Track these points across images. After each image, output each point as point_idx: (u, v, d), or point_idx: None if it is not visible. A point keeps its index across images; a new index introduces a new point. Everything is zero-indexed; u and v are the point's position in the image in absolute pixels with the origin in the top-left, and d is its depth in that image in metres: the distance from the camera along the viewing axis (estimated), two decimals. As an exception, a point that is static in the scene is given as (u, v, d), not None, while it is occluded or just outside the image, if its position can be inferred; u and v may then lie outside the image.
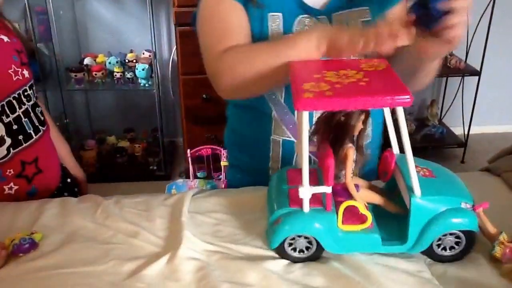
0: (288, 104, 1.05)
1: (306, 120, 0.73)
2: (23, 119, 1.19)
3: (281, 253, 0.82)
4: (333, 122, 0.80)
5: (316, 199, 0.80)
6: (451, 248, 0.81)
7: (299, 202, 0.79)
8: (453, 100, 3.20)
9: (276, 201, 0.84)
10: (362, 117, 0.79)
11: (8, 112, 1.15)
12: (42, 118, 1.26)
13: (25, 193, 1.19)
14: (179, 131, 2.96)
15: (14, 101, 1.16)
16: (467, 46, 2.98)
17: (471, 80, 2.97)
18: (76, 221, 0.92)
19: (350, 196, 0.81)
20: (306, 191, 0.77)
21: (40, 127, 1.24)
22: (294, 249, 0.82)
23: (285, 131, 1.09)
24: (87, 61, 2.76)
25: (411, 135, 2.99)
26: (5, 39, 1.18)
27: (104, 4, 2.86)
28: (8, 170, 1.16)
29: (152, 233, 0.88)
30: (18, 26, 2.67)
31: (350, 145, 0.79)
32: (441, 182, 0.82)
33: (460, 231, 0.79)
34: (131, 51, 2.83)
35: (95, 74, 2.72)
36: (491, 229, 0.82)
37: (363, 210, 0.79)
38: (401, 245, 0.80)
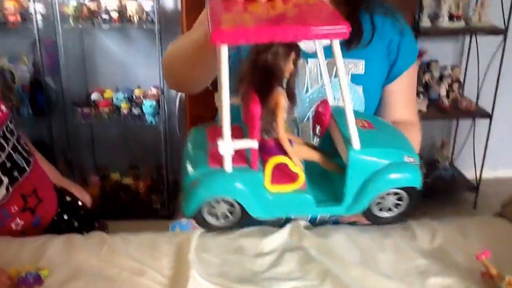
0: None
1: (225, 57, 0.62)
2: (14, 155, 1.19)
3: (200, 221, 0.73)
4: (259, 64, 0.69)
5: (241, 157, 0.69)
6: (390, 210, 0.75)
7: (220, 160, 0.68)
8: (465, 142, 3.22)
9: (193, 161, 0.72)
10: (292, 55, 0.69)
11: None
12: (27, 147, 1.27)
13: (31, 225, 1.20)
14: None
15: (1, 140, 1.17)
16: (478, 87, 3.03)
17: (482, 123, 2.99)
18: (81, 258, 0.93)
19: (283, 153, 0.70)
20: (227, 146, 0.66)
21: (29, 158, 1.25)
22: (215, 216, 0.73)
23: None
24: (94, 96, 2.82)
25: (421, 177, 3.03)
26: None
27: (112, 39, 2.93)
28: (12, 208, 1.18)
29: (158, 271, 0.89)
30: (26, 59, 2.78)
31: (281, 90, 0.69)
32: (382, 134, 0.76)
33: (402, 189, 0.72)
34: (139, 87, 2.89)
35: (102, 109, 2.77)
36: (495, 272, 0.80)
37: (293, 167, 0.70)
38: (337, 206, 0.72)
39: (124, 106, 2.78)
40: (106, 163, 3.13)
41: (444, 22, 2.77)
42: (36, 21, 2.59)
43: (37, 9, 2.60)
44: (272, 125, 0.70)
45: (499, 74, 2.84)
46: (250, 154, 0.68)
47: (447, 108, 2.88)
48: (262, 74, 0.68)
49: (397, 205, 0.74)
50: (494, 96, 2.87)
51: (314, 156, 0.76)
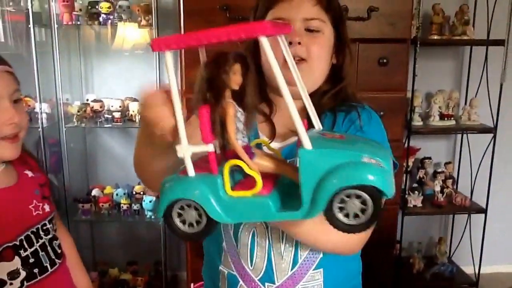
0: (235, 238, 1.14)
1: (170, 62, 0.71)
2: (40, 252, 1.26)
3: (170, 225, 0.78)
4: (204, 79, 0.73)
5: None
6: (356, 216, 0.72)
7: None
8: (461, 237, 3.29)
9: (169, 175, 0.79)
10: (237, 67, 0.73)
11: (26, 246, 1.22)
12: (59, 251, 1.32)
13: None
14: (183, 265, 3.03)
15: (32, 235, 1.24)
16: (471, 184, 3.16)
17: (478, 218, 3.09)
18: None
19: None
20: (183, 149, 0.72)
21: (56, 260, 1.30)
22: (183, 222, 0.77)
23: (230, 264, 1.16)
24: (94, 192, 2.93)
25: (419, 273, 3.09)
26: (29, 174, 1.29)
27: (114, 137, 3.08)
28: None
29: None
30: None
31: (229, 100, 0.73)
32: (348, 141, 0.76)
33: (366, 192, 0.70)
34: (139, 183, 2.99)
35: (102, 206, 2.87)
36: None
37: (248, 170, 0.72)
38: (296, 211, 0.72)
39: (124, 202, 2.88)
40: (105, 258, 3.18)
41: (435, 121, 2.94)
42: (42, 121, 2.74)
43: (43, 109, 2.75)
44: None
45: (491, 171, 2.98)
46: (209, 158, 0.72)
47: (442, 204, 2.99)
48: (208, 87, 0.74)
49: (363, 211, 0.71)
50: (488, 191, 2.99)
51: (273, 167, 0.77)
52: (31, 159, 1.36)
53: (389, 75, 2.38)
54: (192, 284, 2.34)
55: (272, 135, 1.18)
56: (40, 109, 2.73)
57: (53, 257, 1.30)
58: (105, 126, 2.84)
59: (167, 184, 0.76)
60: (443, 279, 3.10)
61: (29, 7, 2.62)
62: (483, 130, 2.95)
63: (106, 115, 2.84)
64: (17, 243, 1.20)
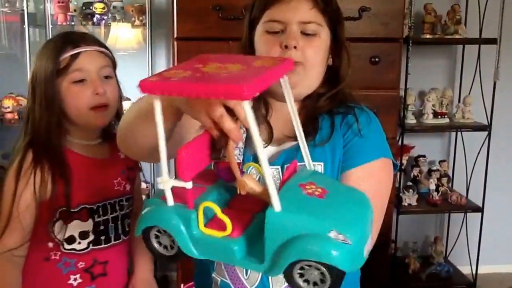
0: None
1: (158, 108, 0.74)
2: (110, 223, 1.45)
3: (147, 245, 0.83)
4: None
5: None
6: (316, 284, 0.74)
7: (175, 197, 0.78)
8: (458, 237, 3.36)
9: (155, 196, 0.84)
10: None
11: (100, 213, 1.42)
12: (128, 229, 1.50)
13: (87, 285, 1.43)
14: (173, 265, 3.11)
15: (108, 206, 1.44)
16: (467, 182, 3.24)
17: (474, 217, 3.16)
18: None
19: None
20: (164, 182, 0.77)
21: (122, 235, 1.49)
22: (159, 244, 0.83)
23: (224, 272, 1.16)
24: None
25: (415, 274, 3.15)
26: (122, 155, 1.48)
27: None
28: (80, 263, 1.41)
29: None
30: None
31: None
32: (324, 204, 0.75)
33: (324, 266, 0.71)
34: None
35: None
36: None
37: (220, 215, 0.75)
38: (259, 264, 0.75)
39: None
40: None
41: (429, 119, 3.03)
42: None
43: (36, 108, 2.85)
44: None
45: (486, 168, 3.06)
46: (186, 194, 0.76)
47: (437, 202, 3.06)
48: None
49: (322, 281, 0.73)
50: (484, 190, 3.06)
51: (260, 191, 0.78)
52: None
53: (381, 73, 2.46)
54: (182, 285, 2.39)
55: (270, 137, 1.20)
56: (33, 108, 2.82)
57: (120, 232, 1.48)
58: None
59: (147, 208, 0.82)
60: (439, 280, 3.14)
61: (25, 8, 2.73)
62: (478, 128, 3.03)
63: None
64: (94, 207, 1.41)
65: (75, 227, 1.38)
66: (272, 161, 1.14)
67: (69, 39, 1.41)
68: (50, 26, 2.83)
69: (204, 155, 0.81)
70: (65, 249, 1.39)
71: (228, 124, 0.79)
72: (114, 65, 1.48)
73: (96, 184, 1.42)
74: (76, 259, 1.41)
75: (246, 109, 0.69)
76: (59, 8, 2.84)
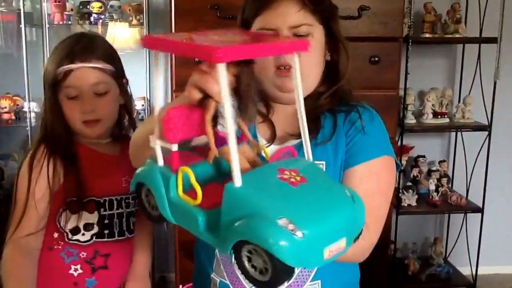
0: None
1: (224, 74, 0.69)
2: (115, 219, 1.49)
3: (139, 203, 0.86)
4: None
5: (187, 160, 0.79)
6: (262, 272, 0.70)
7: (169, 160, 0.79)
8: (457, 238, 3.35)
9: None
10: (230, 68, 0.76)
11: (107, 207, 1.47)
12: (132, 227, 1.54)
13: (84, 280, 1.47)
14: (171, 266, 3.11)
15: (115, 201, 1.49)
16: (467, 182, 3.24)
17: (474, 217, 3.16)
18: None
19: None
20: (152, 140, 0.79)
21: (126, 232, 1.52)
22: (148, 203, 0.84)
23: (223, 272, 1.17)
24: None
25: (415, 275, 3.15)
26: None
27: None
28: (82, 253, 1.46)
29: None
30: (17, 157, 2.97)
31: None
32: (292, 192, 0.71)
33: (267, 254, 0.66)
34: (130, 184, 3.08)
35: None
36: None
37: (193, 182, 0.74)
38: (215, 238, 0.73)
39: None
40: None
41: (428, 119, 3.03)
42: (30, 120, 2.83)
43: (32, 108, 2.84)
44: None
45: (486, 169, 3.05)
46: (171, 157, 0.77)
47: (437, 203, 3.05)
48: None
49: (266, 270, 0.69)
50: (484, 190, 3.06)
51: (245, 163, 0.78)
52: None
53: (380, 73, 2.45)
54: (180, 286, 2.39)
55: (273, 136, 1.20)
56: (29, 108, 2.82)
57: (124, 228, 1.52)
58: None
59: (142, 166, 0.84)
60: (439, 281, 3.14)
61: (21, 7, 2.73)
62: (478, 128, 3.03)
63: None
64: (101, 201, 1.46)
65: (80, 219, 1.44)
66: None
67: (70, 51, 1.43)
68: (47, 25, 2.82)
69: (195, 123, 0.80)
70: (69, 239, 1.45)
71: (210, 84, 0.77)
72: (116, 74, 1.49)
73: (105, 179, 1.48)
74: (79, 249, 1.46)
75: (219, 71, 0.68)
76: (55, 7, 2.83)
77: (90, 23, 2.88)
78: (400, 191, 3.03)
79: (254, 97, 0.81)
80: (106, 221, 1.47)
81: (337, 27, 1.21)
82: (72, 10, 2.87)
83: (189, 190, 0.76)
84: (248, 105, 0.80)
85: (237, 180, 0.69)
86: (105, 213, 1.47)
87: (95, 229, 1.46)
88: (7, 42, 3.00)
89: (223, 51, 0.65)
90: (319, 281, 1.16)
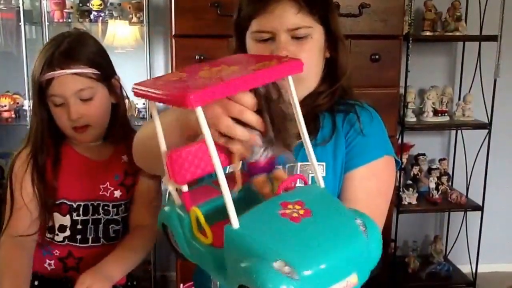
0: None
1: (203, 117, 0.68)
2: (89, 224, 1.46)
3: (167, 240, 0.85)
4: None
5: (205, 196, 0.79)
6: None
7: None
8: (457, 236, 3.36)
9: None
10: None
11: (80, 212, 1.44)
12: (113, 235, 1.49)
13: (59, 274, 1.48)
14: (172, 265, 3.11)
15: (90, 207, 1.45)
16: (467, 181, 3.24)
17: (474, 215, 3.16)
18: None
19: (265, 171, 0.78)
20: (165, 182, 0.80)
21: (102, 239, 1.48)
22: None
23: None
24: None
25: (415, 273, 3.16)
26: (124, 159, 1.50)
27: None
28: (56, 251, 1.47)
29: None
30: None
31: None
32: (292, 229, 0.67)
33: None
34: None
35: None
36: None
37: (202, 222, 0.73)
38: (223, 278, 0.72)
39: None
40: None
41: (429, 117, 3.03)
42: (30, 118, 2.82)
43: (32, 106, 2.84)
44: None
45: (486, 167, 3.05)
46: (183, 197, 0.77)
47: (437, 201, 3.06)
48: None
49: None
50: (484, 188, 3.06)
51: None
52: None
53: (381, 71, 2.45)
54: (181, 285, 2.39)
55: None
56: (29, 106, 2.78)
57: (101, 235, 1.48)
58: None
59: (164, 206, 0.84)
60: (439, 279, 3.15)
61: (20, 5, 2.71)
62: (478, 126, 3.03)
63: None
64: (74, 205, 1.44)
65: (57, 219, 1.45)
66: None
67: (50, 57, 1.38)
68: (47, 23, 2.80)
69: (203, 162, 0.79)
70: (46, 236, 1.47)
71: (239, 132, 0.77)
72: (102, 76, 1.43)
73: (81, 184, 1.46)
74: (53, 247, 1.47)
75: (197, 115, 0.67)
76: (55, 5, 2.82)
77: (90, 20, 2.87)
78: (401, 189, 3.03)
79: (287, 116, 0.78)
80: (79, 226, 1.46)
81: (336, 25, 1.19)
82: (71, 8, 2.86)
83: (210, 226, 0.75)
84: (281, 129, 0.78)
85: (234, 222, 0.67)
86: (78, 218, 1.45)
87: (67, 232, 1.46)
88: (7, 40, 2.99)
89: (195, 98, 0.64)
90: None
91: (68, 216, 1.44)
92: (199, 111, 0.66)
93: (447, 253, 3.40)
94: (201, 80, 0.71)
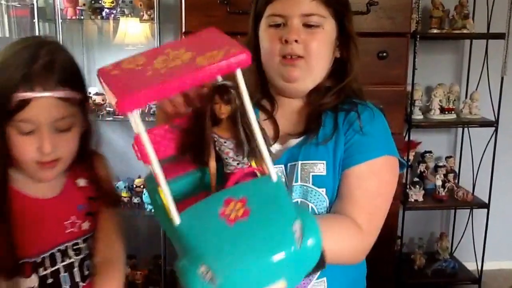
0: None
1: (138, 120, 0.70)
2: (62, 273, 1.17)
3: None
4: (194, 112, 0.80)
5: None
6: None
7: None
8: (463, 233, 3.35)
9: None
10: (217, 99, 0.75)
11: (47, 265, 1.15)
12: (87, 272, 1.21)
13: None
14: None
15: (58, 254, 1.16)
16: (473, 178, 3.23)
17: (480, 213, 3.15)
18: None
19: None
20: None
21: (80, 283, 1.20)
22: None
23: None
24: (95, 185, 3.02)
25: (421, 269, 3.16)
26: (81, 183, 1.22)
27: (115, 131, 3.19)
28: None
29: None
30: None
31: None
32: (223, 231, 0.68)
33: None
34: (139, 177, 3.10)
35: (102, 198, 2.96)
36: None
37: (165, 204, 0.74)
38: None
39: (124, 195, 2.96)
40: (104, 252, 3.26)
41: (436, 115, 3.02)
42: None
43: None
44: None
45: (493, 164, 3.04)
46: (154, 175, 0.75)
47: (443, 199, 3.05)
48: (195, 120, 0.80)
49: None
50: (490, 186, 3.05)
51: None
52: (96, 166, 1.26)
53: (388, 68, 2.45)
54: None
55: (276, 134, 1.19)
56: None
57: (78, 279, 1.21)
58: (107, 119, 2.94)
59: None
60: (445, 276, 3.14)
61: (34, 2, 2.74)
62: (485, 123, 3.02)
63: (107, 109, 2.94)
64: (38, 260, 1.14)
65: (21, 284, 1.13)
66: (276, 160, 1.12)
67: (28, 72, 1.04)
68: (60, 20, 2.84)
69: (162, 146, 0.81)
70: None
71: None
72: (83, 99, 1.15)
73: (39, 231, 1.14)
74: None
75: (131, 120, 0.68)
76: (68, 2, 2.85)
77: (102, 18, 2.89)
78: (407, 186, 3.02)
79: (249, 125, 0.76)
80: (50, 280, 1.15)
81: (351, 24, 1.20)
82: (84, 5, 2.89)
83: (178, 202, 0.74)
84: (250, 137, 0.77)
85: (175, 218, 0.69)
86: (46, 272, 1.15)
87: None
88: (21, 37, 3.02)
89: (126, 103, 0.64)
90: (325, 278, 1.15)
91: (33, 276, 1.13)
92: (132, 116, 0.67)
93: (453, 250, 3.38)
94: (148, 74, 0.70)
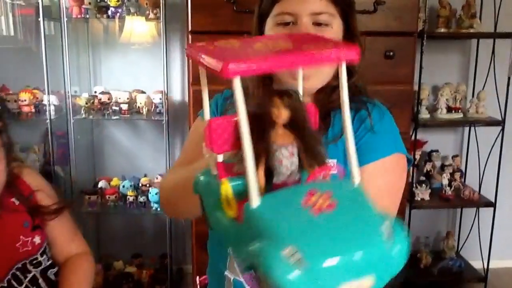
0: None
1: (239, 88, 0.64)
2: None
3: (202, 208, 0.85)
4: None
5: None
6: None
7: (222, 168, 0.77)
8: (470, 232, 3.34)
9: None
10: (278, 101, 0.70)
11: (15, 285, 1.17)
12: (55, 278, 1.25)
13: None
14: (189, 258, 3.13)
15: (18, 273, 1.18)
16: (479, 177, 3.22)
17: (486, 212, 3.14)
18: None
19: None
20: (206, 151, 0.77)
21: None
22: None
23: (237, 270, 1.15)
24: (101, 184, 3.01)
25: (427, 268, 3.16)
26: (17, 202, 1.21)
27: (121, 129, 3.19)
28: None
29: None
30: (37, 148, 3.02)
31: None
32: (309, 219, 0.65)
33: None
34: (145, 175, 3.10)
35: (108, 197, 2.95)
36: None
37: (230, 196, 0.72)
38: (239, 254, 0.72)
39: (130, 194, 2.96)
40: (110, 251, 3.25)
41: (442, 114, 3.01)
42: (50, 113, 2.83)
43: (51, 101, 2.85)
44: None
45: (499, 164, 3.03)
46: (218, 167, 0.74)
47: (450, 198, 3.04)
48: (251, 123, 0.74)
49: None
50: (496, 185, 3.04)
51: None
52: (26, 180, 1.27)
53: (395, 68, 2.44)
54: (197, 277, 2.41)
55: None
56: (48, 101, 2.82)
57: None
58: (113, 118, 2.93)
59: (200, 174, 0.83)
60: (451, 274, 3.14)
61: (39, 1, 2.72)
62: (491, 123, 3.00)
63: (113, 107, 2.92)
64: (5, 284, 1.16)
65: None
66: None
67: None
68: (65, 19, 2.83)
69: (228, 137, 0.76)
70: None
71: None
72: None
73: None
74: None
75: (234, 87, 0.63)
76: (73, 1, 2.83)
77: (108, 16, 2.88)
78: (414, 185, 3.01)
79: (315, 133, 0.74)
80: None
81: (355, 23, 1.19)
82: (89, 3, 2.87)
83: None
84: (311, 143, 0.73)
85: (255, 201, 0.65)
86: None
87: None
88: (26, 35, 3.01)
89: (234, 65, 0.61)
90: None
91: None
92: (236, 82, 0.63)
93: (459, 249, 3.38)
94: (251, 51, 0.69)
